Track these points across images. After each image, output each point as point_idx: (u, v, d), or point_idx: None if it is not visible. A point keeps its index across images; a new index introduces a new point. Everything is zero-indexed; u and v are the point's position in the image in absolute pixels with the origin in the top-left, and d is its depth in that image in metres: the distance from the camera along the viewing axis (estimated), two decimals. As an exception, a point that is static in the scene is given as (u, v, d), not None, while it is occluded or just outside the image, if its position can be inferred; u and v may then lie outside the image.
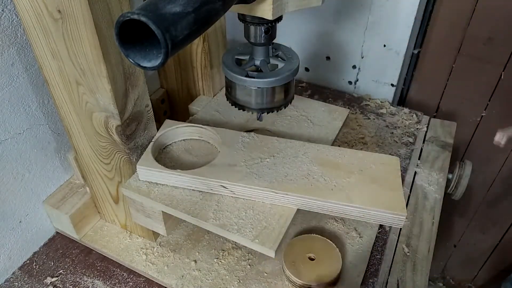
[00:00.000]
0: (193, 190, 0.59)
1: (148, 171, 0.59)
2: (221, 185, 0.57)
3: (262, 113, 0.60)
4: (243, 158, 0.60)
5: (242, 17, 0.52)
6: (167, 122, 0.67)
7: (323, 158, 0.61)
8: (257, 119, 0.63)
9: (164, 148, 0.67)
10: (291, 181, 0.57)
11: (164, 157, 0.65)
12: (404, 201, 0.55)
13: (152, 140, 0.63)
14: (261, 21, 0.50)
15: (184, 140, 0.68)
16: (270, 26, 0.52)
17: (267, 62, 0.57)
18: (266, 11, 0.46)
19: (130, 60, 0.37)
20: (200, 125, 0.67)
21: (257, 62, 0.57)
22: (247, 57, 0.58)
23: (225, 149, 0.62)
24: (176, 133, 0.67)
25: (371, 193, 0.56)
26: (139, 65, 0.37)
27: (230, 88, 0.58)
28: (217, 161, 0.60)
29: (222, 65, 0.56)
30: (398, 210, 0.54)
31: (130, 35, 0.35)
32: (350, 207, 0.55)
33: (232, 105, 0.59)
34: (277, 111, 0.60)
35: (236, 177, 0.57)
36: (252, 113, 0.60)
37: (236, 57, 0.58)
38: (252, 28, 0.52)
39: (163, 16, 0.34)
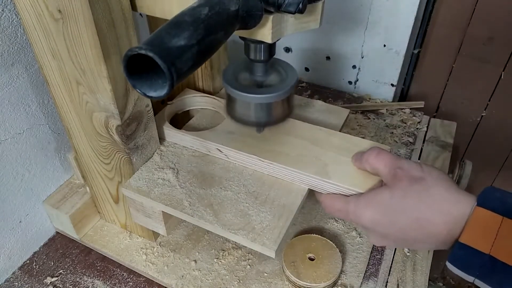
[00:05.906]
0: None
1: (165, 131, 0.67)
2: (218, 149, 0.64)
3: (262, 126, 0.60)
4: (242, 128, 0.65)
5: (242, 37, 0.52)
6: (187, 90, 0.76)
7: (316, 137, 0.65)
8: (256, 132, 0.63)
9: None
10: (280, 153, 0.61)
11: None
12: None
13: (168, 103, 0.71)
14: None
15: (201, 108, 0.76)
16: (270, 45, 0.53)
17: (266, 77, 0.58)
18: (265, 35, 0.47)
19: (138, 90, 0.38)
20: (213, 96, 0.75)
21: (257, 78, 0.58)
22: (246, 73, 0.59)
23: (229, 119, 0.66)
24: (192, 101, 0.76)
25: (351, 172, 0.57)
26: (145, 95, 0.38)
27: (230, 103, 0.58)
28: (219, 128, 0.67)
29: (222, 80, 0.57)
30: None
31: (136, 66, 0.37)
32: (326, 183, 0.57)
33: (231, 118, 0.60)
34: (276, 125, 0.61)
35: (231, 143, 0.63)
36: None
37: (236, 72, 0.59)
38: (252, 46, 0.53)
39: (169, 50, 0.35)
